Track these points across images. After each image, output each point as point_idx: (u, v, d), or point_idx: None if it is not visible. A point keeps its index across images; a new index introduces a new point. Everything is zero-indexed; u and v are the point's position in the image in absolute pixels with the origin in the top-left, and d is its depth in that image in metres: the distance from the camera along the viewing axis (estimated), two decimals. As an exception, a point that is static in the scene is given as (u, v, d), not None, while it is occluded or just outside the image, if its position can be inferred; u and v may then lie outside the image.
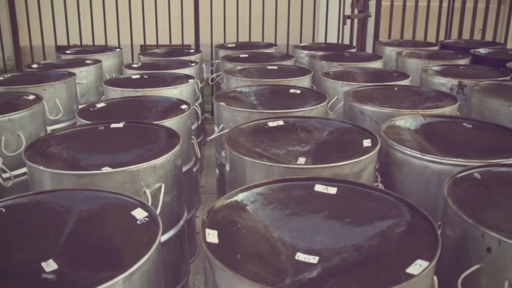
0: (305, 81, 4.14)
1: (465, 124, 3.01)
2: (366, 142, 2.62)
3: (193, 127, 3.99)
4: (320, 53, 5.36)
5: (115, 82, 4.04)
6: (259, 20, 6.97)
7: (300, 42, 6.75)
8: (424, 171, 2.48)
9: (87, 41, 6.94)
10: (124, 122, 2.96)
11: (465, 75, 4.21)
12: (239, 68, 4.57)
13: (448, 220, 2.01)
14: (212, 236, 1.72)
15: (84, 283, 1.61)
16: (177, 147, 2.60)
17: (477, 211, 1.93)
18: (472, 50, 5.44)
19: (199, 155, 3.67)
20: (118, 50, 5.66)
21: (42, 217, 1.98)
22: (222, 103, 3.26)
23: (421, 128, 2.96)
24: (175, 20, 6.84)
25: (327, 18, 7.31)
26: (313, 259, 1.75)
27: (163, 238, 2.56)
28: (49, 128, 3.50)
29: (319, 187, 2.11)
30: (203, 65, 5.51)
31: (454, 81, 4.01)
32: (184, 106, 3.34)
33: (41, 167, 2.31)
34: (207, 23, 6.79)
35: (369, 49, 7.34)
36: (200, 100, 4.77)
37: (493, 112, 3.33)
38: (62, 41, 6.72)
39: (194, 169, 3.79)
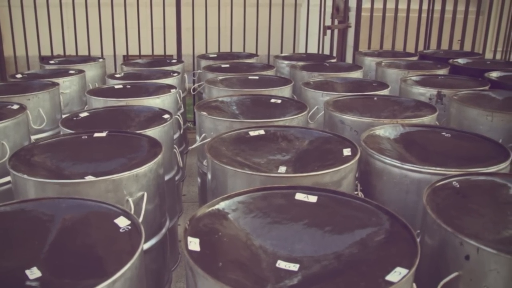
0: (285, 91, 4.15)
1: (444, 133, 3.04)
2: (346, 151, 2.64)
3: (175, 136, 3.99)
4: (300, 63, 5.37)
5: (98, 92, 4.04)
6: (240, 30, 6.98)
7: (281, 53, 6.77)
8: (403, 180, 2.50)
9: (70, 51, 6.92)
10: (107, 132, 2.97)
11: (443, 85, 4.24)
12: (220, 78, 4.57)
13: (427, 228, 2.03)
14: (194, 244, 1.73)
15: (67, 290, 1.62)
16: (159, 156, 2.61)
17: (455, 219, 1.95)
18: (450, 60, 5.49)
19: (181, 164, 3.69)
20: (101, 60, 5.65)
21: (26, 225, 1.98)
22: (204, 113, 3.27)
23: (401, 137, 2.98)
24: (158, 30, 6.84)
25: (307, 28, 7.34)
26: (294, 267, 1.76)
27: (146, 246, 2.57)
28: (33, 137, 3.50)
29: (299, 196, 2.13)
30: (185, 75, 5.51)
31: (433, 91, 4.04)
32: (166, 116, 3.35)
33: (25, 176, 2.31)
34: (189, 34, 6.80)
35: (349, 59, 7.37)
36: (182, 110, 4.78)
37: (471, 121, 3.36)
38: (46, 52, 6.70)
39: (176, 178, 3.79)
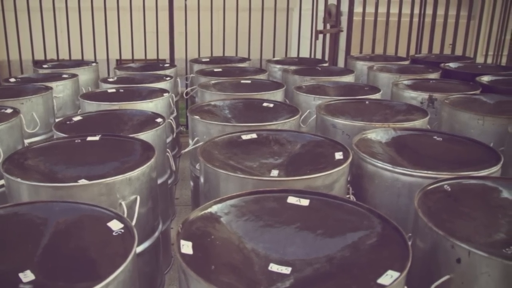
0: (278, 95, 4.16)
1: (435, 137, 3.05)
2: (338, 155, 2.64)
3: (168, 140, 4.00)
4: (292, 67, 5.38)
5: (91, 96, 4.04)
6: (233, 35, 6.99)
7: (273, 57, 6.77)
8: (395, 183, 2.51)
9: (64, 55, 6.90)
10: (100, 135, 2.97)
11: (435, 89, 4.25)
12: (213, 82, 4.58)
13: (418, 232, 2.04)
14: (186, 247, 1.74)
15: (61, 293, 1.62)
16: (152, 159, 2.62)
17: (447, 223, 1.96)
18: (442, 65, 5.48)
19: (174, 168, 3.69)
20: (94, 64, 5.64)
21: (19, 229, 1.98)
22: (197, 117, 3.28)
23: (392, 141, 2.99)
24: (150, 35, 6.84)
25: (299, 33, 7.34)
26: (286, 270, 1.76)
27: (139, 249, 2.57)
28: (26, 141, 3.50)
29: (291, 199, 2.13)
30: (178, 79, 5.52)
31: (425, 95, 4.05)
32: (159, 120, 3.35)
33: (19, 180, 2.32)
34: (182, 38, 6.80)
35: (341, 63, 7.38)
36: (175, 114, 4.77)
37: (462, 125, 3.37)
38: (39, 56, 6.68)
39: (169, 182, 3.80)
